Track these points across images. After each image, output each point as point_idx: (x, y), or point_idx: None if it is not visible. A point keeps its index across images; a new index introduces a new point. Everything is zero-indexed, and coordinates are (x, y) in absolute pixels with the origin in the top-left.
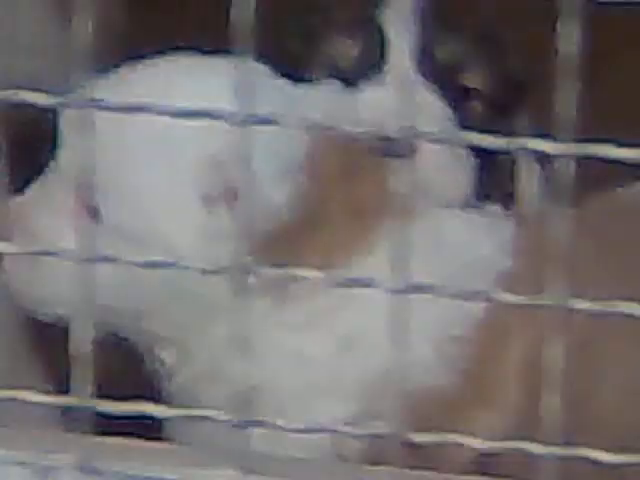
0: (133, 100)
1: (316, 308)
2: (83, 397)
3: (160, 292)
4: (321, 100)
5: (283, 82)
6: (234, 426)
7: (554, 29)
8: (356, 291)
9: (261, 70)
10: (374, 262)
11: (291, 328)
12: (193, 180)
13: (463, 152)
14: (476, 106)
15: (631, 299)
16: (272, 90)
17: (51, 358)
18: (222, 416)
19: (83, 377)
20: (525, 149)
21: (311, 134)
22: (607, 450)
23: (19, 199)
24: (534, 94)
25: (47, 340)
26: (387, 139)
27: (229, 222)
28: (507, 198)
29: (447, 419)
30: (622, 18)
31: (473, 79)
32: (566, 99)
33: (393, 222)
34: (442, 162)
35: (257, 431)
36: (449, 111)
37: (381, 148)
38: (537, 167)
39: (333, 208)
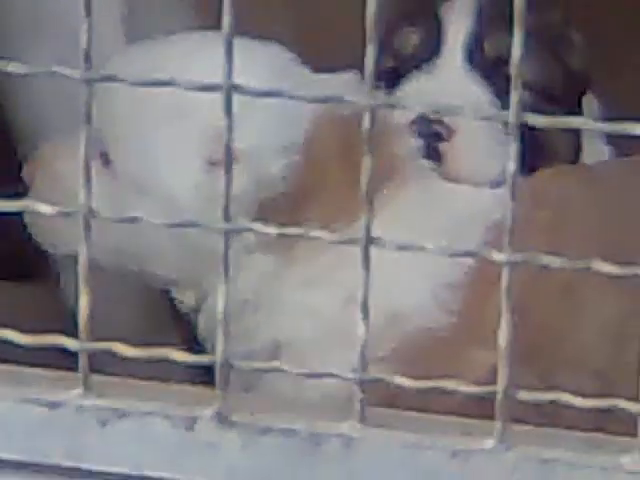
0: (156, 72)
1: (320, 266)
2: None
3: (165, 243)
4: (338, 86)
5: (304, 67)
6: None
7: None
8: (356, 249)
9: (284, 54)
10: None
11: (298, 285)
12: (198, 143)
13: (503, 136)
14: (527, 97)
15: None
16: (292, 71)
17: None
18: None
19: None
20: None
21: (313, 113)
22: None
23: (46, 145)
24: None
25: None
26: (428, 121)
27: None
28: None
29: (445, 356)
30: None
31: (525, 72)
32: None
33: (393, 186)
34: (482, 143)
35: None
36: (496, 101)
37: (421, 130)
38: (606, 149)
39: (332, 179)
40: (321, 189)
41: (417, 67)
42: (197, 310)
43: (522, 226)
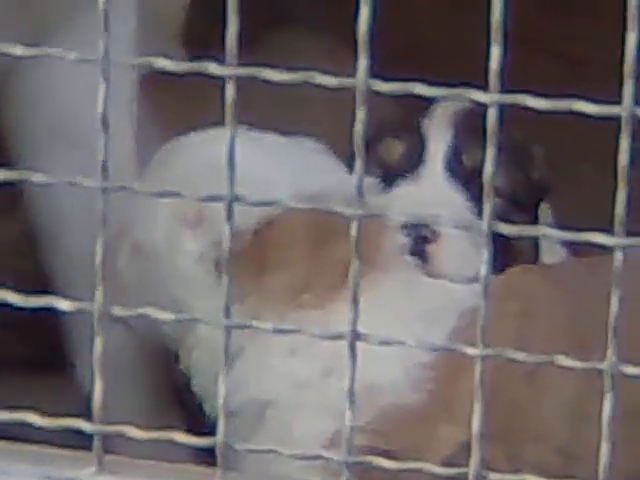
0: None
1: (302, 337)
2: None
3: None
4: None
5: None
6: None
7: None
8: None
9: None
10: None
11: (282, 352)
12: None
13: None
14: (497, 202)
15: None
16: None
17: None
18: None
19: None
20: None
21: (290, 189)
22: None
23: None
24: (554, 195)
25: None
26: (416, 225)
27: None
28: None
29: (416, 432)
30: None
31: (496, 181)
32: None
33: (372, 275)
34: (462, 248)
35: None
36: (474, 207)
37: (410, 232)
38: (562, 250)
39: (300, 254)
40: (288, 262)
41: (402, 176)
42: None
43: (493, 317)
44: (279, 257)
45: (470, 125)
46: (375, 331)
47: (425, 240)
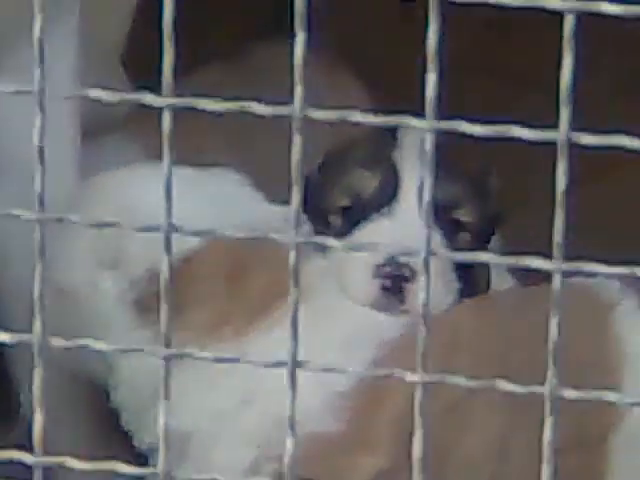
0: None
1: (220, 367)
2: None
3: None
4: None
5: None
6: None
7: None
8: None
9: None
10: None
11: (202, 383)
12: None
13: (452, 276)
14: (465, 236)
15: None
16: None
17: None
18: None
19: None
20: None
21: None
22: None
23: None
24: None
25: None
26: (395, 262)
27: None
28: None
29: (334, 461)
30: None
31: (465, 214)
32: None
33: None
34: (437, 286)
35: None
36: (445, 242)
37: (389, 271)
38: (510, 279)
39: (218, 291)
40: (206, 296)
41: (375, 209)
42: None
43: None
44: (198, 292)
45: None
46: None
47: (403, 279)
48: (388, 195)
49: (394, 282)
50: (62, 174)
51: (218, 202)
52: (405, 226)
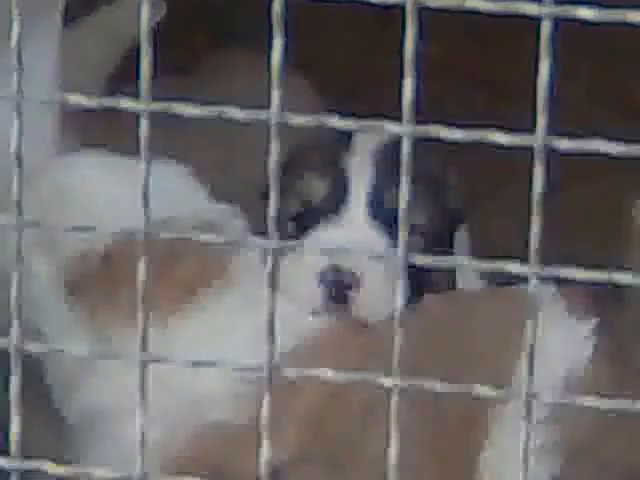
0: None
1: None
2: None
3: None
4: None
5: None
6: None
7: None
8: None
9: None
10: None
11: (119, 363)
12: None
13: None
14: (419, 240)
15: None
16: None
17: None
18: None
19: None
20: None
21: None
22: None
23: None
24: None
25: None
26: (337, 271)
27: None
28: None
29: (237, 450)
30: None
31: (417, 217)
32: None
33: (216, 289)
34: (383, 292)
35: None
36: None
37: (331, 278)
38: (477, 279)
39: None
40: (135, 281)
41: (324, 215)
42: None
43: (338, 350)
44: (127, 275)
45: (390, 162)
46: (214, 348)
47: (346, 286)
48: (337, 201)
49: (337, 289)
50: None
51: (158, 193)
52: (352, 232)
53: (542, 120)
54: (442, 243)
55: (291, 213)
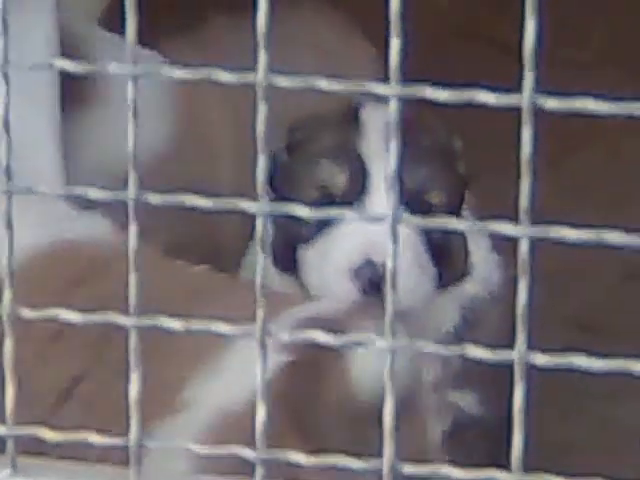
0: None
1: None
2: None
3: None
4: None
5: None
6: None
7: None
8: None
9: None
10: None
11: None
12: None
13: (428, 262)
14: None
15: None
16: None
17: None
18: None
19: None
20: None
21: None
22: None
23: None
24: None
25: None
26: (371, 265)
27: None
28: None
29: None
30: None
31: (435, 196)
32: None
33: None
34: (415, 282)
35: None
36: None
37: (367, 274)
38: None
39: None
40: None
41: (345, 204)
42: None
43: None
44: (37, 292)
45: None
46: None
47: (380, 280)
48: (357, 189)
49: (371, 284)
50: (42, 145)
51: (38, 217)
52: (377, 225)
53: (529, 79)
54: (454, 210)
55: (311, 202)
